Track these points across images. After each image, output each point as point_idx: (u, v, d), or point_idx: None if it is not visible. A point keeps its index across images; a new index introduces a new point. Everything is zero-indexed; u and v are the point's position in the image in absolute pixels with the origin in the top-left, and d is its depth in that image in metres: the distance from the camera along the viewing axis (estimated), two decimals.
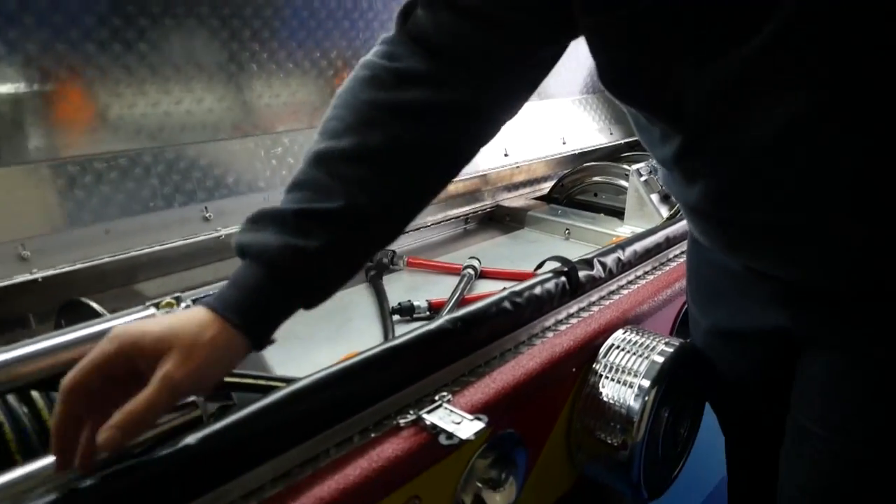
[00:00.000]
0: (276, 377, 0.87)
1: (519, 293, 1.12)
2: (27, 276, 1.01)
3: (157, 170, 1.16)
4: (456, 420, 0.86)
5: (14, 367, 0.76)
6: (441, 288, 1.51)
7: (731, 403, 1.20)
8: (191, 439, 0.70)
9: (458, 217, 1.98)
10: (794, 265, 0.83)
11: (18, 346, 0.78)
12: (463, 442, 0.83)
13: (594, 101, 2.52)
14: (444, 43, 0.76)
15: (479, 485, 1.00)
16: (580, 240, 1.86)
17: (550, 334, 1.15)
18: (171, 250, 1.17)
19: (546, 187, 2.28)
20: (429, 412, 0.87)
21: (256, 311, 0.70)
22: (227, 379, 0.82)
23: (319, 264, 0.73)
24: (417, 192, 0.82)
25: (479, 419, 0.86)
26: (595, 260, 1.30)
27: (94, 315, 0.94)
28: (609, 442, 1.13)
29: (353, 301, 1.45)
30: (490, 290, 1.39)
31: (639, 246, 1.43)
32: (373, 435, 0.85)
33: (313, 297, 0.77)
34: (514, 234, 1.97)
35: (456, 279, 1.57)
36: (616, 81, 0.81)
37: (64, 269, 1.04)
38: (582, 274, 1.25)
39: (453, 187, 1.96)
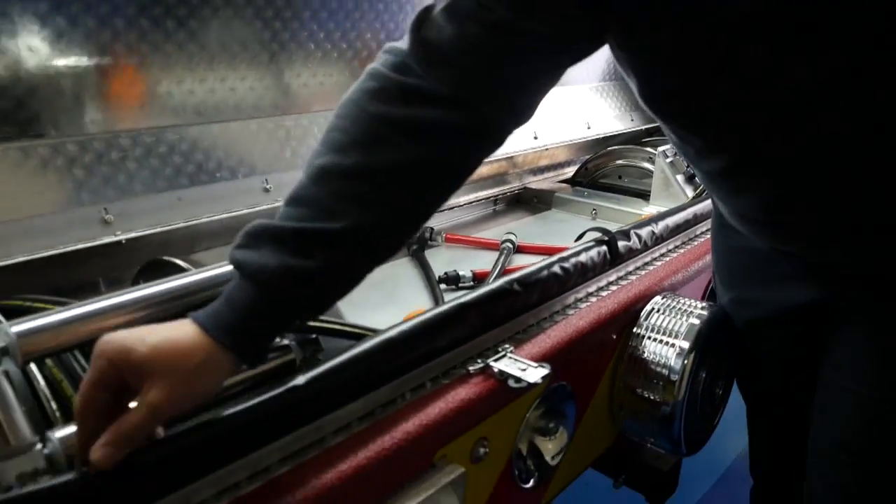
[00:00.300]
0: (361, 326, 0.93)
1: (565, 259, 1.18)
2: (112, 238, 1.08)
3: (223, 142, 1.23)
4: (521, 367, 0.93)
5: (105, 317, 0.80)
6: (480, 262, 1.58)
7: (752, 374, 1.27)
8: (300, 380, 0.76)
9: (488, 198, 2.04)
10: (851, 254, 0.87)
11: (111, 296, 0.83)
12: (531, 385, 0.90)
13: (612, 88, 2.58)
14: (466, 57, 0.73)
15: (534, 433, 1.07)
16: (607, 219, 1.93)
17: (594, 299, 1.22)
18: (234, 219, 1.24)
19: (568, 172, 2.35)
20: (495, 360, 0.94)
21: (249, 332, 0.68)
22: (316, 324, 0.89)
23: (318, 285, 0.71)
24: (421, 209, 0.80)
25: (542, 366, 0.93)
26: (632, 232, 1.37)
27: (178, 272, 0.99)
28: (652, 398, 1.20)
29: (399, 273, 1.52)
30: (528, 263, 1.46)
31: (670, 220, 1.50)
32: (444, 381, 0.92)
33: (308, 315, 0.77)
34: (542, 215, 2.04)
35: (492, 254, 1.64)
36: (657, 99, 0.81)
37: (146, 232, 1.11)
38: (620, 244, 1.31)
39: (484, 169, 2.02)
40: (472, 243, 1.72)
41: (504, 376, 0.92)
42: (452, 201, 1.94)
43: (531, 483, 1.08)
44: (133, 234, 1.10)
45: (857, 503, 1.00)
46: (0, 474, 0.63)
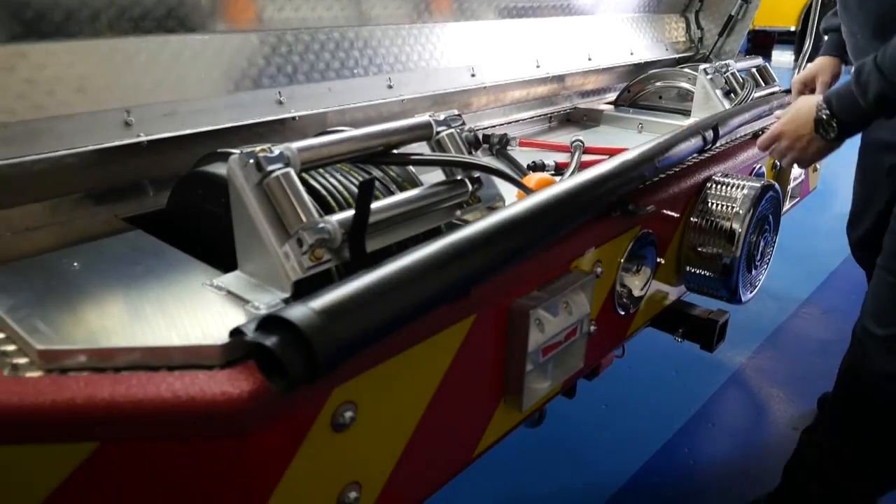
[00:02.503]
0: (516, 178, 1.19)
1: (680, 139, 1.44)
2: (287, 115, 1.33)
3: (358, 45, 1.47)
4: (631, 205, 1.20)
5: (346, 142, 1.01)
6: (551, 160, 1.83)
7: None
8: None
9: (544, 115, 2.29)
10: None
11: (350, 131, 1.04)
12: (644, 212, 1.17)
13: (643, 20, 2.80)
14: None
15: (627, 271, 1.34)
16: (652, 132, 2.18)
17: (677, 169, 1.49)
18: (371, 107, 1.49)
19: (609, 97, 2.60)
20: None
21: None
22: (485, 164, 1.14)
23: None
24: None
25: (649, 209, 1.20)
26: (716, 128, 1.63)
27: None
28: (715, 253, 1.48)
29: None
30: (598, 159, 1.71)
31: (737, 121, 1.75)
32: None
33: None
34: (592, 130, 2.29)
35: (560, 155, 1.89)
36: None
37: (311, 112, 1.36)
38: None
39: (540, 89, 2.28)
40: (543, 146, 1.97)
41: (619, 209, 1.19)
42: (517, 115, 2.20)
43: (622, 312, 1.36)
44: (303, 113, 1.35)
45: (884, 311, 1.38)
46: (302, 241, 0.89)
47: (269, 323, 0.67)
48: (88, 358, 0.75)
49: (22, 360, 0.77)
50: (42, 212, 1.16)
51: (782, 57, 9.95)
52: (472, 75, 1.84)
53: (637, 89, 2.47)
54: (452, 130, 1.17)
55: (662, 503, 1.83)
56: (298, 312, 0.66)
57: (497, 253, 0.89)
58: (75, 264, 1.02)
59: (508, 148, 1.94)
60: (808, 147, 1.44)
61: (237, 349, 0.75)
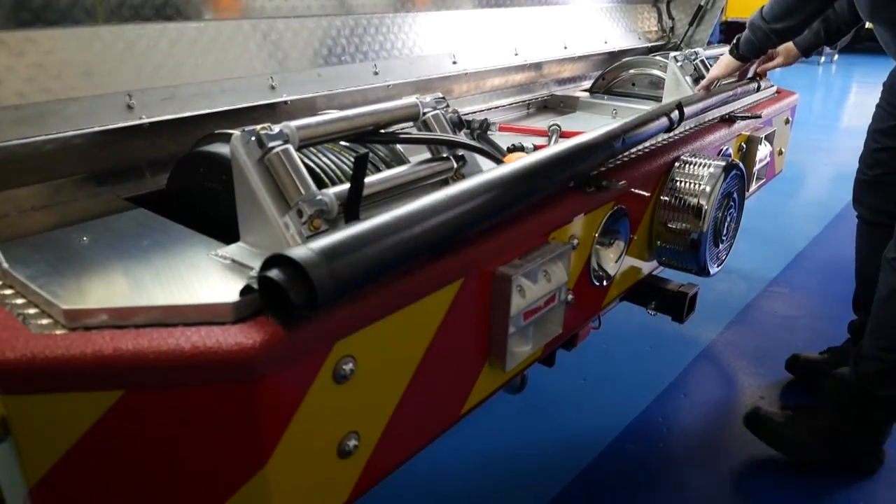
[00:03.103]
0: (496, 156, 1.27)
1: (648, 120, 1.53)
2: (279, 99, 1.39)
3: (344, 33, 1.54)
4: (604, 182, 1.29)
5: (344, 121, 1.11)
6: (532, 143, 1.91)
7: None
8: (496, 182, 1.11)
9: (522, 102, 2.38)
10: None
11: (348, 111, 1.12)
12: (616, 188, 1.26)
13: (617, 10, 2.89)
14: None
15: (601, 245, 1.43)
16: (626, 117, 2.27)
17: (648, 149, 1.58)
18: (358, 93, 1.55)
19: (584, 85, 2.69)
20: (587, 181, 1.30)
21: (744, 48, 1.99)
22: (468, 142, 1.22)
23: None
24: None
25: (622, 184, 1.29)
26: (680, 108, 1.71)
27: None
28: (684, 228, 1.57)
29: None
30: None
31: (701, 104, 1.85)
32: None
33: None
34: (568, 116, 2.38)
35: (538, 139, 1.97)
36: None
37: (302, 97, 1.42)
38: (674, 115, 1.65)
39: (518, 77, 2.36)
40: (522, 131, 2.06)
41: (593, 186, 1.27)
42: (496, 102, 2.28)
43: (597, 283, 1.45)
44: (294, 97, 1.41)
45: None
46: (302, 211, 0.96)
47: (274, 261, 0.75)
48: (110, 317, 0.82)
49: (44, 321, 0.84)
50: (46, 192, 1.22)
51: None
52: (454, 62, 1.92)
53: (611, 77, 2.56)
54: (438, 112, 1.25)
55: (638, 467, 1.93)
56: (299, 251, 0.74)
57: (474, 207, 0.98)
58: (84, 239, 1.09)
59: (489, 132, 2.03)
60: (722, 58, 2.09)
61: (247, 307, 0.82)
